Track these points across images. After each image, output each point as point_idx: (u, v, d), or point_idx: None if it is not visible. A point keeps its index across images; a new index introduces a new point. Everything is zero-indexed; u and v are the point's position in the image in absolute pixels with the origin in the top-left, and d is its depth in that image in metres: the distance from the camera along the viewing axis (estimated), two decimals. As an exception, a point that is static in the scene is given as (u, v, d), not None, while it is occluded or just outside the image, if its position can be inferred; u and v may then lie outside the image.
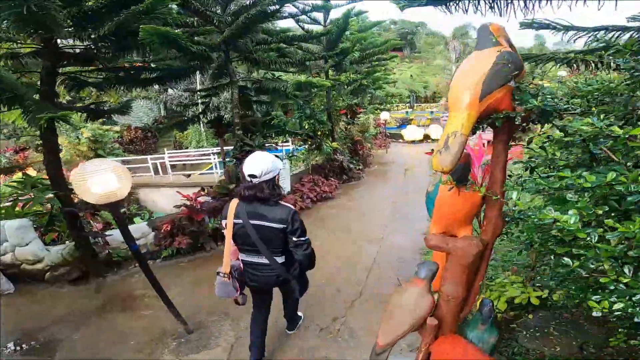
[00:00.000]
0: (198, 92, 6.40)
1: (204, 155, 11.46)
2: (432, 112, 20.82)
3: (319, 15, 7.33)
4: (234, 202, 2.10)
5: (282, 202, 2.09)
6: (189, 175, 9.87)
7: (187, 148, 16.33)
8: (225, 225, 2.11)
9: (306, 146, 7.97)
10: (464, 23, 19.90)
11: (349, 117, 9.33)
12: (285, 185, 6.43)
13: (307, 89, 5.13)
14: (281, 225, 2.02)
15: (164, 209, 8.30)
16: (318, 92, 8.04)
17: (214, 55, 5.04)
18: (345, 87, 7.50)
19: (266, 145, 5.51)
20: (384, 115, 12.36)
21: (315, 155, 8.06)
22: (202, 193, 4.99)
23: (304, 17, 6.50)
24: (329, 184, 7.20)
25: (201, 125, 13.47)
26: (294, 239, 2.05)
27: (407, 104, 28.65)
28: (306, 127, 7.09)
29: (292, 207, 2.10)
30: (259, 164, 2.00)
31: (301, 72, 7.35)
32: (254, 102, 6.19)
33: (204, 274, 4.12)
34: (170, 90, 16.63)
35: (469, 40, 22.60)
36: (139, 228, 4.71)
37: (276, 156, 2.28)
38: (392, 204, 6.59)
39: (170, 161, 14.07)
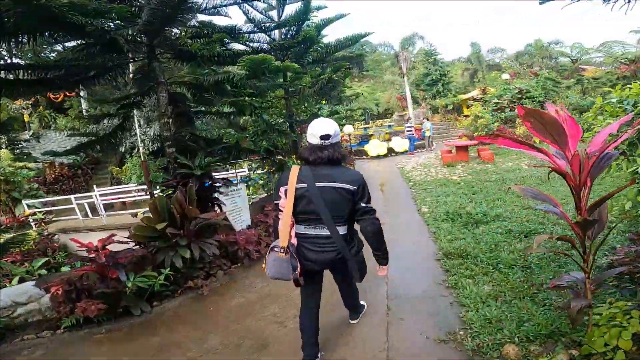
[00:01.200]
0: (113, 102, 4.71)
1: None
2: (390, 126, 20.55)
3: (272, 14, 6.16)
4: (295, 169, 2.00)
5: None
6: (135, 215, 8.15)
7: (127, 184, 14.21)
8: (285, 192, 1.97)
9: (264, 169, 6.59)
10: (411, 33, 20.06)
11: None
12: (244, 217, 4.94)
13: (265, 76, 3.83)
14: (352, 187, 1.93)
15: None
16: (275, 100, 6.77)
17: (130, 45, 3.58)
18: (308, 89, 6.28)
19: (212, 169, 4.07)
20: (348, 129, 11.38)
21: (278, 177, 6.68)
22: (115, 239, 3.36)
23: (255, 8, 5.22)
24: None
25: (142, 157, 11.66)
26: (363, 204, 1.97)
27: (362, 121, 28.68)
28: (264, 143, 5.75)
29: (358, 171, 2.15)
30: (331, 125, 2.00)
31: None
32: (194, 114, 4.76)
33: (132, 349, 2.89)
34: (106, 121, 14.83)
35: (415, 49, 23.08)
36: (23, 290, 3.37)
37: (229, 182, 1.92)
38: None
39: (103, 200, 11.95)
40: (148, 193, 4.24)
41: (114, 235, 3.40)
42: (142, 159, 12.14)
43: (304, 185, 1.93)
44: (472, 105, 15.66)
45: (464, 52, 36.05)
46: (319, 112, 8.66)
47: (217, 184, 4.19)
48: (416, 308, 3.03)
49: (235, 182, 4.79)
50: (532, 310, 2.66)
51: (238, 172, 7.49)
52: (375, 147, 15.00)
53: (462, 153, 10.78)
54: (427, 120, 15.11)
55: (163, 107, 3.82)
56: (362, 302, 2.86)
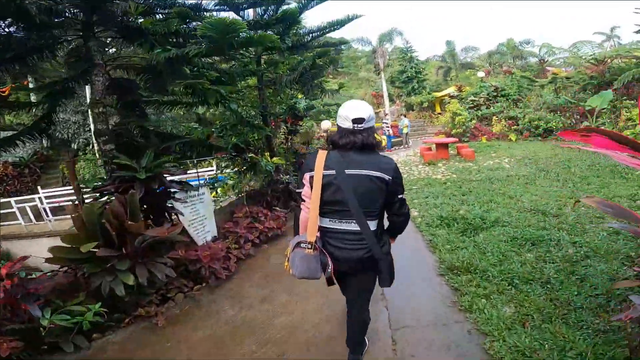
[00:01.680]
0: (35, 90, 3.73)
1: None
2: (365, 123, 20.22)
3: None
4: (322, 154, 1.76)
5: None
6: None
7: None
8: (310, 180, 1.76)
9: (234, 167, 5.79)
10: (390, 28, 19.69)
11: (289, 124, 7.39)
12: (208, 227, 4.14)
13: (233, 51, 3.05)
14: (387, 176, 1.72)
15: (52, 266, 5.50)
16: (247, 90, 5.97)
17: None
18: (286, 77, 5.52)
19: (165, 170, 3.25)
20: (326, 125, 10.71)
21: (250, 177, 5.90)
22: (31, 261, 2.52)
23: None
24: (275, 216, 5.07)
25: (97, 154, 10.44)
26: (400, 195, 1.81)
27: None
28: (233, 139, 4.97)
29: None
30: (365, 107, 1.78)
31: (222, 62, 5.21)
32: (143, 102, 3.90)
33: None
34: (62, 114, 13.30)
35: (392, 45, 22.75)
36: None
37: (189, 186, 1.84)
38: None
39: (51, 203, 10.58)
40: (77, 202, 3.34)
41: (25, 258, 2.53)
42: (99, 157, 10.88)
43: (332, 172, 1.72)
44: (448, 102, 15.51)
45: (438, 50, 36.69)
46: (297, 105, 7.91)
47: (172, 189, 3.38)
48: (428, 339, 2.47)
49: (197, 185, 3.97)
50: (570, 335, 2.22)
51: (202, 172, 6.62)
52: (352, 144, 14.53)
53: (442, 151, 10.44)
54: (405, 117, 14.77)
55: (97, 93, 2.97)
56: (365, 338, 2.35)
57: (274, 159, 5.61)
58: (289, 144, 7.32)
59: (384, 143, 14.22)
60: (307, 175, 1.80)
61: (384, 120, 14.10)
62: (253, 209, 4.97)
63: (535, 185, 6.57)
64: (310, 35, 5.58)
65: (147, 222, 3.51)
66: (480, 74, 17.13)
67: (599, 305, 2.57)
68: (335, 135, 1.80)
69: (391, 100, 24.63)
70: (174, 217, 3.67)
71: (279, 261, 4.33)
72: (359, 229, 1.73)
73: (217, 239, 4.23)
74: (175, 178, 4.41)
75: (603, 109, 11.33)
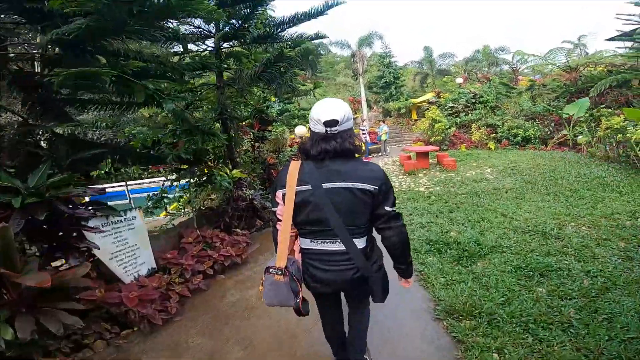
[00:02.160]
0: None
1: None
2: (343, 129, 19.64)
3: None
4: (295, 165, 1.52)
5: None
6: None
7: None
8: (283, 197, 1.50)
9: (188, 180, 4.89)
10: (370, 31, 19.25)
11: (256, 129, 6.58)
12: (142, 259, 3.24)
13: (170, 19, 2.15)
14: (372, 187, 1.46)
15: None
16: (204, 89, 5.12)
17: None
18: (244, 73, 4.69)
19: (74, 192, 2.37)
20: (300, 130, 9.96)
21: (208, 192, 5.03)
22: None
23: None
24: (234, 241, 4.21)
25: None
26: (388, 208, 1.50)
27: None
28: (185, 147, 4.10)
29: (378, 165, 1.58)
30: (339, 107, 1.50)
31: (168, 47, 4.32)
32: (61, 102, 2.98)
33: None
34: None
35: (371, 50, 22.36)
36: None
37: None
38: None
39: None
40: None
41: None
42: None
43: (307, 187, 1.47)
44: (426, 109, 15.20)
45: (416, 56, 37.02)
46: (268, 110, 7.11)
47: (83, 214, 2.49)
48: None
49: (127, 210, 3.08)
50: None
51: (152, 181, 5.64)
52: (329, 151, 13.84)
53: (422, 159, 9.94)
54: (384, 123, 14.25)
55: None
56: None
57: (235, 171, 4.77)
58: (256, 152, 6.49)
59: (363, 148, 13.68)
60: (279, 193, 1.55)
61: (362, 127, 13.53)
62: (207, 232, 4.09)
63: (525, 200, 6.08)
64: (281, 27, 4.80)
65: (52, 258, 2.62)
66: (459, 80, 17.01)
67: (638, 353, 2.06)
68: (308, 142, 1.54)
69: (369, 106, 24.29)
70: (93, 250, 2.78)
71: (236, 297, 3.51)
72: (344, 248, 1.51)
73: (156, 272, 3.34)
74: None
75: (580, 117, 11.26)
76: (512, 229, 4.49)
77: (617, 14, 10.50)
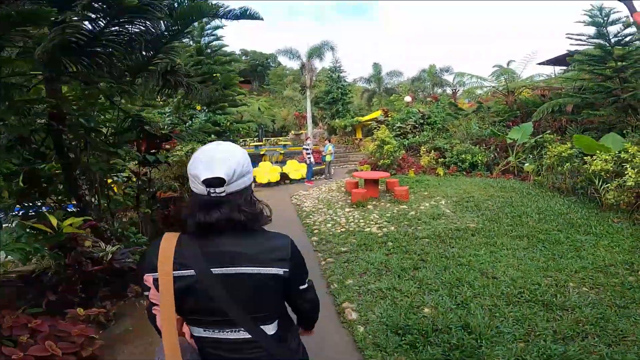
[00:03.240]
0: None
1: None
2: (285, 146, 17.92)
3: None
4: (170, 240, 1.03)
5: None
6: None
7: None
8: (154, 282, 1.01)
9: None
10: (322, 41, 17.93)
11: (144, 149, 4.59)
12: None
13: None
14: (282, 270, 1.04)
15: None
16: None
17: None
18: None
19: None
20: None
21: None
22: None
23: None
24: (62, 332, 2.20)
25: None
26: (301, 286, 1.16)
27: (255, 138, 25.86)
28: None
29: (285, 235, 1.13)
30: (228, 157, 1.02)
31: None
32: None
33: None
34: None
35: (321, 65, 21.10)
36: None
37: None
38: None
39: None
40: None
41: None
42: None
43: (189, 272, 1.00)
44: (375, 128, 14.27)
45: (365, 73, 37.02)
46: (188, 126, 5.17)
47: None
48: None
49: None
50: None
51: None
52: (266, 171, 11.96)
53: (372, 188, 8.63)
54: (329, 142, 12.80)
55: None
56: None
57: (67, 221, 2.77)
58: (140, 182, 4.48)
59: (299, 174, 11.96)
60: (148, 277, 1.03)
61: (305, 145, 11.95)
62: (4, 318, 2.06)
63: (498, 247, 4.96)
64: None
65: None
66: (407, 98, 16.49)
67: None
68: (186, 209, 1.04)
69: (314, 122, 23.08)
70: None
71: None
72: (250, 336, 1.03)
73: None
74: None
75: (525, 142, 10.97)
76: (502, 297, 3.29)
77: (567, 34, 10.46)
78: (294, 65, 20.76)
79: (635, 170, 6.00)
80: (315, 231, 6.34)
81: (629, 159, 6.26)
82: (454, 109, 13.09)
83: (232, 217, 0.99)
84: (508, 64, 25.20)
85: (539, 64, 19.68)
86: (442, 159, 11.57)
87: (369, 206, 7.86)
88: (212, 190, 0.98)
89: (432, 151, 11.95)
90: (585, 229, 5.60)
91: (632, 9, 12.89)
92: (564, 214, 6.42)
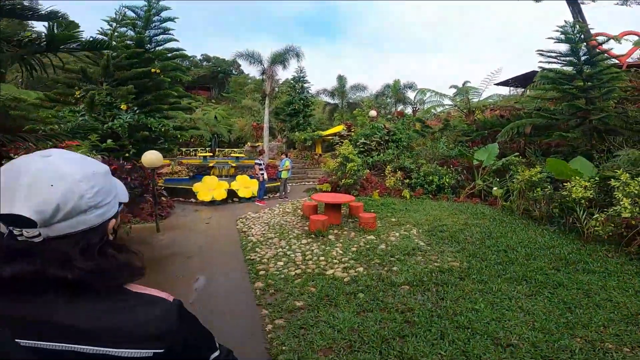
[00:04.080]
0: None
1: None
2: (237, 159, 16.20)
3: None
4: None
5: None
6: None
7: None
8: None
9: None
10: (286, 46, 16.49)
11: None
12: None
13: None
14: (145, 351, 0.65)
15: None
16: None
17: None
18: None
19: None
20: (152, 158, 6.28)
21: None
22: None
23: None
24: None
25: None
26: None
27: (208, 149, 23.86)
28: None
29: (166, 297, 0.73)
30: (45, 185, 0.63)
31: None
32: None
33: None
34: None
35: (284, 74, 19.66)
36: None
37: None
38: None
39: None
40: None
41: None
42: None
43: None
44: (337, 143, 13.23)
45: (328, 85, 36.20)
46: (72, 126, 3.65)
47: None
48: None
49: None
50: None
51: None
52: (209, 187, 10.19)
53: (333, 213, 7.36)
54: (287, 156, 11.35)
55: None
56: None
57: None
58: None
59: (249, 192, 10.35)
60: None
61: (258, 160, 10.37)
62: None
63: (497, 296, 3.95)
64: None
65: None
66: (372, 113, 15.70)
67: None
68: None
69: (272, 134, 21.63)
70: None
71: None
72: None
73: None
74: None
75: (491, 165, 10.47)
76: None
77: (538, 50, 10.21)
78: (256, 73, 19.28)
79: (629, 200, 5.35)
80: (262, 273, 4.85)
81: (620, 187, 5.63)
82: (420, 125, 12.42)
83: (48, 274, 0.64)
84: (464, 84, 25.85)
85: (497, 84, 20.23)
86: (408, 180, 10.69)
87: (330, 236, 6.54)
88: (17, 231, 0.63)
89: (398, 171, 11.05)
90: (583, 266, 4.90)
91: (575, 13, 13.27)
92: (551, 248, 5.72)
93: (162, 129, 8.05)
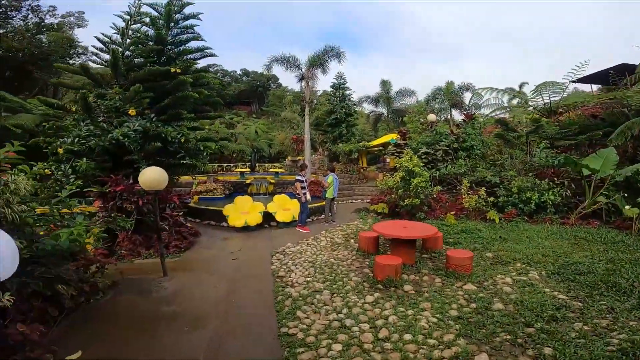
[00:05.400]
0: None
1: None
2: (277, 174, 14.56)
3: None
4: None
5: None
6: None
7: None
8: None
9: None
10: (325, 46, 14.79)
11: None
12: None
13: None
14: None
15: None
16: None
17: None
18: None
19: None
20: (152, 178, 4.56)
21: None
22: None
23: None
24: None
25: None
26: None
27: (248, 164, 22.71)
28: None
29: None
30: None
31: None
32: None
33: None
34: None
35: (323, 78, 17.92)
36: None
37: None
38: None
39: None
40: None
41: None
42: None
43: None
44: (393, 154, 11.08)
45: (370, 91, 34.11)
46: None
47: None
48: None
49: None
50: None
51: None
52: (242, 209, 8.46)
53: (405, 249, 5.17)
54: (333, 172, 9.25)
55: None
56: None
57: None
58: None
59: (289, 216, 8.34)
60: None
61: (299, 176, 8.46)
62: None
63: None
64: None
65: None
66: (432, 117, 13.36)
67: None
68: None
69: (313, 147, 19.91)
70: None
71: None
72: None
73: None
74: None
75: (610, 174, 7.67)
76: None
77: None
78: (293, 80, 17.87)
79: None
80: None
81: None
82: (501, 129, 9.81)
83: None
84: (520, 87, 22.34)
85: (572, 81, 16.94)
86: (493, 198, 8.17)
87: (406, 286, 4.35)
88: None
89: (474, 186, 8.57)
90: None
91: None
92: None
93: (182, 139, 6.47)
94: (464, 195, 8.35)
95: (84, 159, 5.40)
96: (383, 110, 23.96)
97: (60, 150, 5.60)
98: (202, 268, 5.48)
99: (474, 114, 12.17)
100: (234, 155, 26.16)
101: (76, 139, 5.62)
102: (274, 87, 45.06)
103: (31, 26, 17.62)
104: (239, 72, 51.03)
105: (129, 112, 5.88)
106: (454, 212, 7.98)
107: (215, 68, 43.87)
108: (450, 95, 18.93)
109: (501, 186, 8.36)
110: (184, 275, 5.09)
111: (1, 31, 16.56)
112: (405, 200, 7.98)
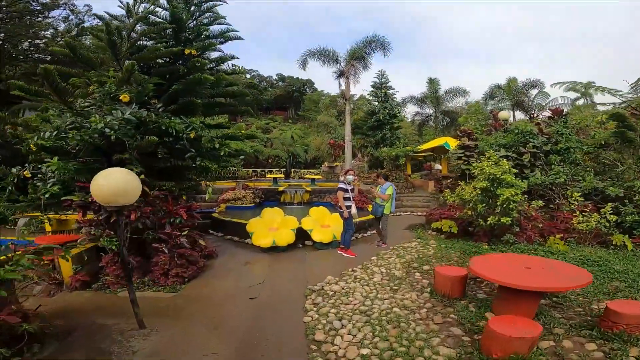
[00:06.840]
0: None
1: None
2: (313, 181, 12.88)
3: None
4: None
5: None
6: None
7: None
8: None
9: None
10: (368, 36, 13.04)
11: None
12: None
13: None
14: None
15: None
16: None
17: None
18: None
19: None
20: (111, 186, 2.98)
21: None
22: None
23: None
24: None
25: None
26: None
27: (283, 169, 21.36)
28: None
29: None
30: None
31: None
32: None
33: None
34: None
35: (364, 71, 15.88)
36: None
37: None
38: None
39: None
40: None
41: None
42: None
43: None
44: (459, 158, 8.97)
45: (414, 91, 31.54)
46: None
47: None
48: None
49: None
50: None
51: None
52: (269, 225, 6.75)
53: (523, 303, 3.14)
54: (387, 180, 7.08)
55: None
56: None
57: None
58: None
59: (329, 234, 6.34)
60: None
61: (342, 183, 6.39)
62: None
63: None
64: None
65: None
66: (504, 114, 11.00)
67: None
68: None
69: (352, 153, 18.03)
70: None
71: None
72: None
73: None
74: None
75: None
76: None
77: None
78: (331, 77, 16.11)
79: None
80: None
81: None
82: (616, 124, 7.34)
83: None
84: (586, 88, 18.90)
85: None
86: (615, 217, 5.79)
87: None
88: None
89: (585, 200, 6.22)
90: None
91: None
92: None
93: (192, 134, 4.93)
94: (572, 212, 6.03)
95: (55, 158, 3.98)
96: (430, 111, 21.55)
97: (33, 147, 4.25)
98: (202, 314, 3.79)
99: (562, 110, 9.65)
100: (269, 161, 25.13)
101: (54, 133, 4.25)
102: (310, 91, 44.05)
103: (73, 27, 17.50)
104: (274, 77, 50.82)
105: (121, 98, 4.44)
106: (560, 236, 5.70)
107: (252, 74, 43.67)
108: (512, 93, 16.23)
109: (626, 200, 5.95)
110: (171, 329, 3.40)
111: (48, 34, 16.33)
112: (490, 219, 5.83)
